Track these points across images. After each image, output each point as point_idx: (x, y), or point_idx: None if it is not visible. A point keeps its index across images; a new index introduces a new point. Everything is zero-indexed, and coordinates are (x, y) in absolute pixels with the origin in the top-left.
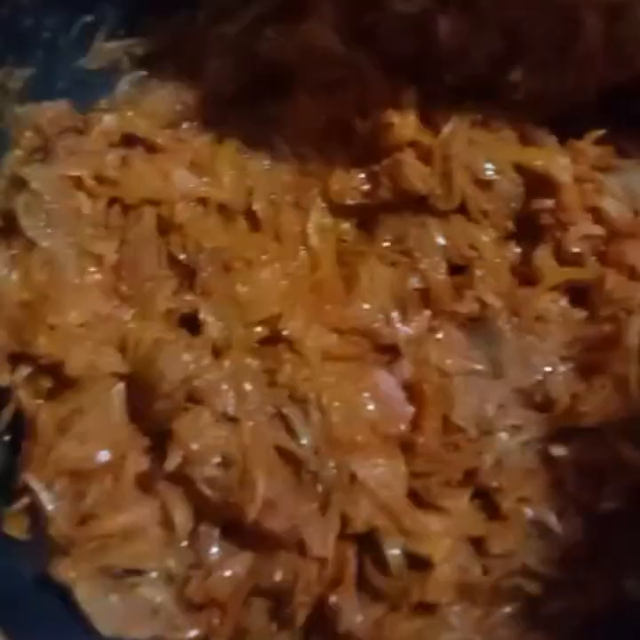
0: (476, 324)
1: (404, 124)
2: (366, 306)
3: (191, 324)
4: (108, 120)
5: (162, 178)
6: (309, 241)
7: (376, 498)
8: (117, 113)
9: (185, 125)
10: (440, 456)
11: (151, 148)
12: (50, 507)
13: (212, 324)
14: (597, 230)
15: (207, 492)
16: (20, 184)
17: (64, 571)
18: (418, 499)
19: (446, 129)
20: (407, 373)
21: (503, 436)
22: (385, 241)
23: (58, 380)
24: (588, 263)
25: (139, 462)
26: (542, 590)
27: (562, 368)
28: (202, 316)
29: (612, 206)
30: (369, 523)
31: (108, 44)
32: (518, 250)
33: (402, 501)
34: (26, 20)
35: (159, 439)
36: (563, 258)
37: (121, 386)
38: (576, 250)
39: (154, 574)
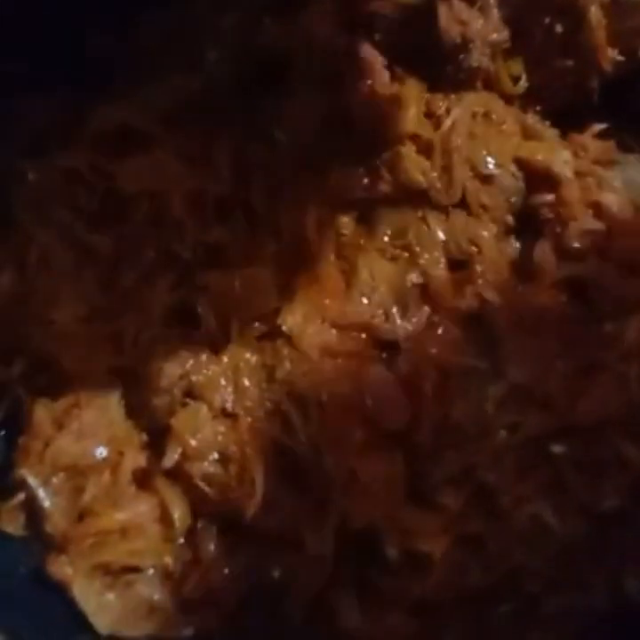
0: (476, 321)
1: (405, 116)
2: (365, 301)
3: (189, 318)
4: (105, 112)
5: (158, 170)
6: (308, 235)
7: (374, 495)
8: (114, 105)
9: (182, 117)
10: (439, 453)
11: (148, 140)
12: (46, 503)
13: (210, 319)
14: (598, 225)
15: (205, 488)
16: (16, 176)
17: (60, 568)
18: (416, 496)
19: (447, 122)
20: (406, 370)
21: (502, 433)
22: (385, 235)
23: (54, 375)
24: (588, 259)
25: (136, 458)
26: (541, 589)
27: (561, 365)
28: (200, 310)
29: (613, 201)
30: (367, 520)
31: (105, 34)
32: (518, 245)
33: (400, 499)
34: (22, 11)
35: (157, 435)
36: (563, 253)
37: (118, 381)
38: (576, 245)
39: (151, 571)
